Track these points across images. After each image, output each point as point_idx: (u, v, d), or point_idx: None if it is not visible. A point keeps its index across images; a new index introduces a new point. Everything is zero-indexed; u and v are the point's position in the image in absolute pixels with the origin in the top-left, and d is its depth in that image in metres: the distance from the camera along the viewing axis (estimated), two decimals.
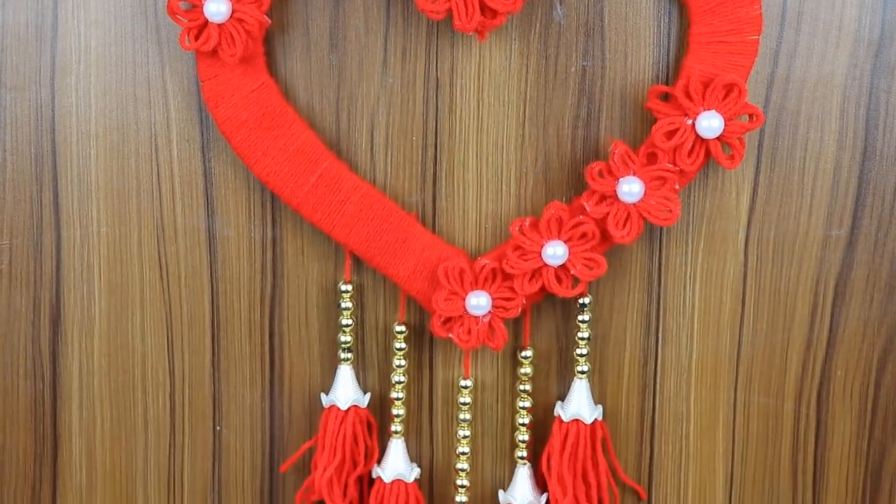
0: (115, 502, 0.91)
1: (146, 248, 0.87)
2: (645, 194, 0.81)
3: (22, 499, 0.91)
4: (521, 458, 0.87)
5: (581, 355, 0.86)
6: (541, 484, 0.88)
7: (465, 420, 0.87)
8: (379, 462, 0.88)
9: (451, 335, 0.84)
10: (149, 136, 0.85)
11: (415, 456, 0.89)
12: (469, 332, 0.84)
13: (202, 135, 0.85)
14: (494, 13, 0.79)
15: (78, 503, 0.91)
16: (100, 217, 0.87)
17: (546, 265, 0.82)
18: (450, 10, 0.78)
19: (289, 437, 0.89)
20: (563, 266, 0.82)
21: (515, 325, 0.87)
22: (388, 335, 0.87)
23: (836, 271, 0.86)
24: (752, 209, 0.85)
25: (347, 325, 0.86)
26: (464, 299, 0.83)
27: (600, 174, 0.81)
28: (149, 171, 0.86)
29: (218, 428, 0.90)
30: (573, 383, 0.86)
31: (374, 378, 0.88)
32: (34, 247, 0.87)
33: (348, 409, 0.87)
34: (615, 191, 0.81)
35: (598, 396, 0.88)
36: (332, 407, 0.87)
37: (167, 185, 0.86)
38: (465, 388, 0.87)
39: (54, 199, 0.86)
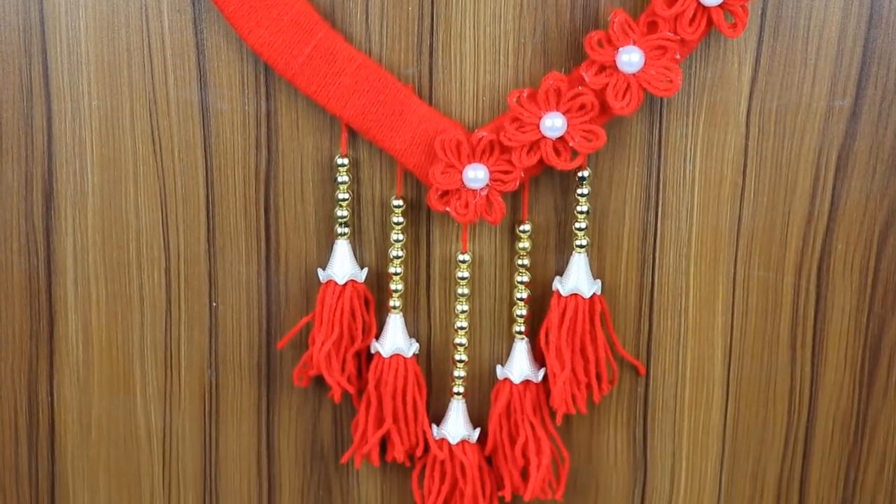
0: (111, 378, 0.91)
1: (139, 122, 0.86)
2: (645, 64, 0.79)
3: (19, 375, 0.91)
4: (519, 332, 0.87)
5: (580, 229, 0.85)
6: (539, 359, 0.88)
7: (463, 295, 0.86)
8: (377, 338, 0.88)
9: (448, 209, 0.83)
10: (139, 6, 0.83)
11: (413, 331, 0.89)
12: (466, 205, 0.83)
13: (194, 5, 0.83)
14: None
15: (75, 380, 0.91)
16: (91, 90, 0.85)
17: (544, 137, 0.81)
18: None
19: (286, 313, 0.89)
20: (561, 138, 0.81)
21: (513, 199, 0.86)
22: (385, 210, 0.87)
23: (838, 143, 0.85)
24: (754, 80, 0.84)
25: (344, 200, 0.85)
26: (461, 172, 0.82)
27: (599, 44, 0.80)
28: (140, 44, 0.84)
29: (214, 304, 0.89)
30: (572, 257, 0.85)
31: (371, 253, 0.88)
32: (25, 120, 0.86)
33: (346, 283, 0.86)
34: (615, 61, 0.80)
35: (597, 271, 0.87)
36: (330, 282, 0.86)
37: (159, 57, 0.84)
38: (463, 262, 0.86)
39: (44, 72, 0.85)
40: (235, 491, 0.93)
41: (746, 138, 0.85)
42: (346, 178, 0.85)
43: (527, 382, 0.87)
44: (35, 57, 0.85)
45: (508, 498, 0.89)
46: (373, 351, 0.87)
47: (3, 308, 0.90)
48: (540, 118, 0.81)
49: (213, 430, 0.92)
